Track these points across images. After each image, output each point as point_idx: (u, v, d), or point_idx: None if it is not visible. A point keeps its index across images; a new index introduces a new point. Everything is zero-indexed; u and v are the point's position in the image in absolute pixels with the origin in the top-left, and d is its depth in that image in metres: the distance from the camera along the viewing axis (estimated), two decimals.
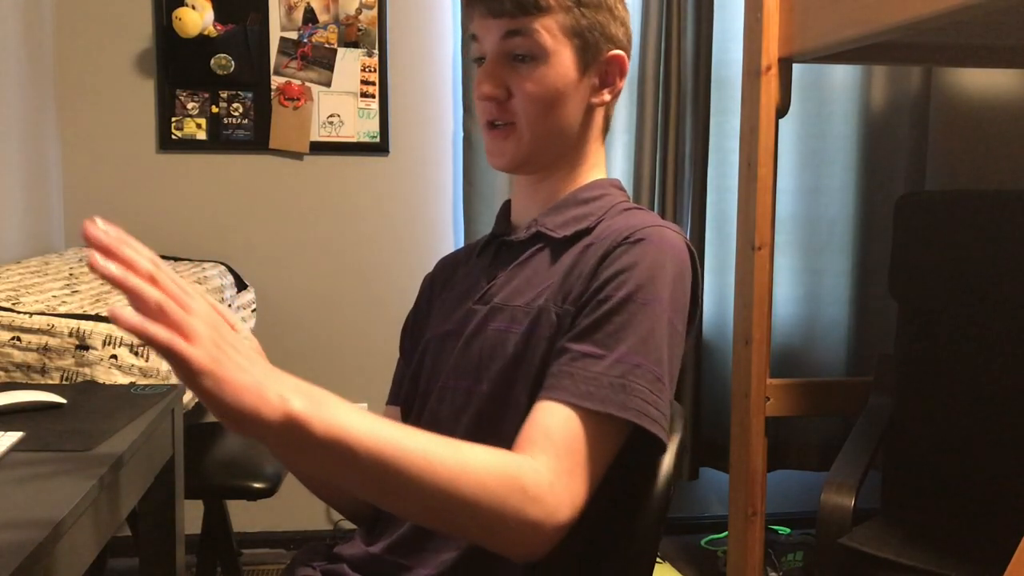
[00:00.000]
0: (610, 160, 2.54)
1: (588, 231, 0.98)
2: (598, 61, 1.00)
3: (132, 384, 1.39)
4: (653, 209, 2.57)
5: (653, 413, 0.85)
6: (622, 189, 1.06)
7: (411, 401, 1.06)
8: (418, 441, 0.75)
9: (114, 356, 1.40)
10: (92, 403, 1.24)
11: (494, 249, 1.06)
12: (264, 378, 0.66)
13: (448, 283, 1.12)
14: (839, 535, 1.80)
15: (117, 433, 1.10)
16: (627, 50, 1.02)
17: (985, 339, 2.05)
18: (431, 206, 2.62)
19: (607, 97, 1.02)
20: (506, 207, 1.10)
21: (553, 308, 0.93)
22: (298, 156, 2.56)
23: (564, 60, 0.97)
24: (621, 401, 0.84)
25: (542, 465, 0.81)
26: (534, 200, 1.04)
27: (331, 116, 2.54)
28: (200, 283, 1.94)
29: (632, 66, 2.29)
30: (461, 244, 2.59)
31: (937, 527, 1.95)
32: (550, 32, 0.96)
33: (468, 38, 1.04)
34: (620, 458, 0.88)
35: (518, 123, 0.98)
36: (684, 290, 0.92)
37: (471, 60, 2.47)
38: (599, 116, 1.04)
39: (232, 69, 2.48)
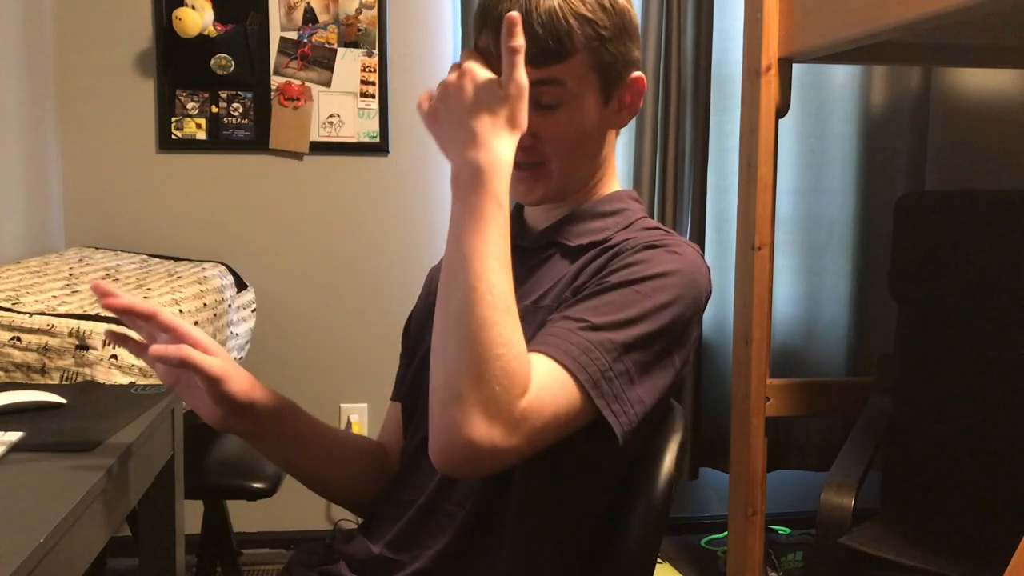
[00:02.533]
0: None
1: (604, 242, 0.98)
2: (620, 87, 0.99)
3: (132, 384, 1.39)
4: (653, 208, 2.57)
5: (604, 388, 0.85)
6: (639, 201, 1.06)
7: (413, 401, 1.06)
8: (507, 283, 0.83)
9: (114, 356, 1.40)
10: (92, 403, 1.24)
11: None
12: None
13: None
14: (839, 535, 1.80)
15: (117, 433, 1.10)
16: (639, 63, 1.02)
17: (985, 339, 2.05)
18: (431, 206, 2.62)
19: (627, 119, 1.02)
20: (519, 208, 1.09)
21: (555, 304, 0.93)
22: (298, 156, 2.56)
23: (590, 100, 0.96)
24: (582, 363, 0.84)
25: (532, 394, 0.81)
26: (551, 210, 1.04)
27: (331, 116, 2.54)
28: (200, 283, 1.94)
29: None
30: None
31: (937, 527, 1.95)
32: (575, 75, 0.94)
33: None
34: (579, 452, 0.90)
35: (547, 163, 0.98)
36: (693, 303, 0.92)
37: None
38: (615, 132, 1.04)
39: (232, 69, 2.48)
